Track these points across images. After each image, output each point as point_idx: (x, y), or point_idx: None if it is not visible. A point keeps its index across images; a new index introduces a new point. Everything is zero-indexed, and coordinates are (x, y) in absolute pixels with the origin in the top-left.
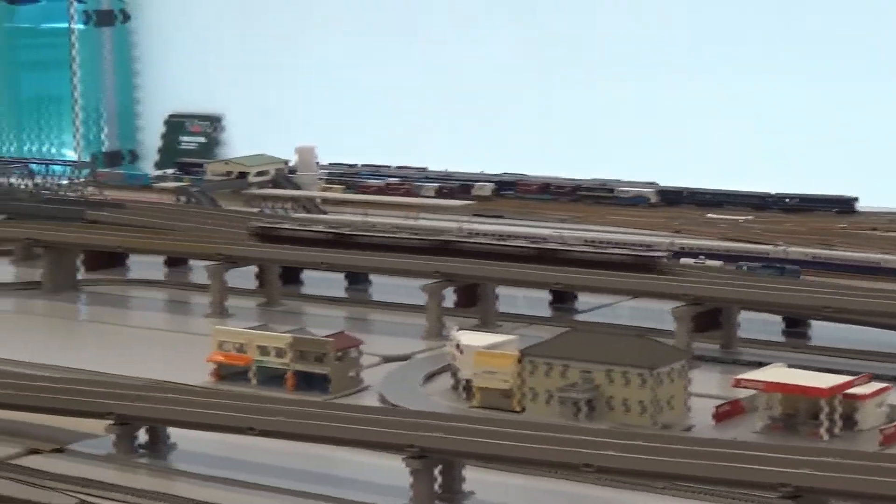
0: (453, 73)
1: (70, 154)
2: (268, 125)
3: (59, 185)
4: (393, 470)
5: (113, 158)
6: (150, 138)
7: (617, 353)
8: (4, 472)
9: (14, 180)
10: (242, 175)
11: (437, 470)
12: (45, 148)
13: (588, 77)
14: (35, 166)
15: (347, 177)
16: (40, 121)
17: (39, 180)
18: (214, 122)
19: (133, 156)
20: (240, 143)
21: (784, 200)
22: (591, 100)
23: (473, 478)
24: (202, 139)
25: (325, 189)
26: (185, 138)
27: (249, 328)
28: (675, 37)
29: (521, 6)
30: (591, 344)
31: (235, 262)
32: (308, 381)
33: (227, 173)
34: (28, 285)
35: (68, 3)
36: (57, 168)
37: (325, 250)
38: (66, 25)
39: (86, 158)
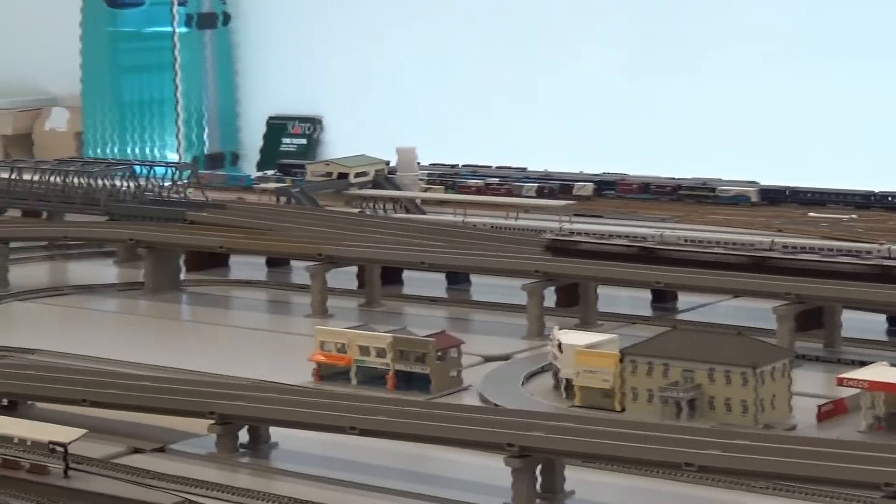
0: (553, 72)
1: (172, 156)
2: (368, 126)
3: (161, 186)
4: (493, 469)
5: (214, 160)
6: (252, 140)
7: (718, 352)
8: (108, 471)
9: (117, 182)
10: (343, 176)
11: (538, 469)
12: (148, 150)
13: (688, 76)
14: (138, 168)
15: (447, 177)
16: (143, 123)
17: (142, 182)
18: (315, 123)
19: (234, 157)
20: (340, 145)
21: (888, 199)
22: (692, 98)
23: (573, 477)
24: (302, 140)
25: (426, 189)
26: (286, 140)
27: (350, 328)
28: (776, 32)
29: (622, 5)
30: (692, 343)
31: (336, 262)
32: (409, 381)
33: (328, 174)
34: (131, 286)
35: (170, 6)
36: (159, 170)
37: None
38: (168, 29)
39: (188, 160)
